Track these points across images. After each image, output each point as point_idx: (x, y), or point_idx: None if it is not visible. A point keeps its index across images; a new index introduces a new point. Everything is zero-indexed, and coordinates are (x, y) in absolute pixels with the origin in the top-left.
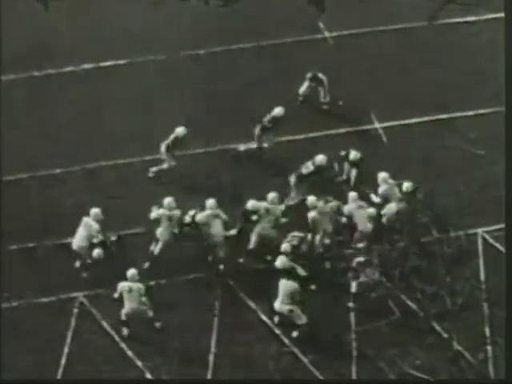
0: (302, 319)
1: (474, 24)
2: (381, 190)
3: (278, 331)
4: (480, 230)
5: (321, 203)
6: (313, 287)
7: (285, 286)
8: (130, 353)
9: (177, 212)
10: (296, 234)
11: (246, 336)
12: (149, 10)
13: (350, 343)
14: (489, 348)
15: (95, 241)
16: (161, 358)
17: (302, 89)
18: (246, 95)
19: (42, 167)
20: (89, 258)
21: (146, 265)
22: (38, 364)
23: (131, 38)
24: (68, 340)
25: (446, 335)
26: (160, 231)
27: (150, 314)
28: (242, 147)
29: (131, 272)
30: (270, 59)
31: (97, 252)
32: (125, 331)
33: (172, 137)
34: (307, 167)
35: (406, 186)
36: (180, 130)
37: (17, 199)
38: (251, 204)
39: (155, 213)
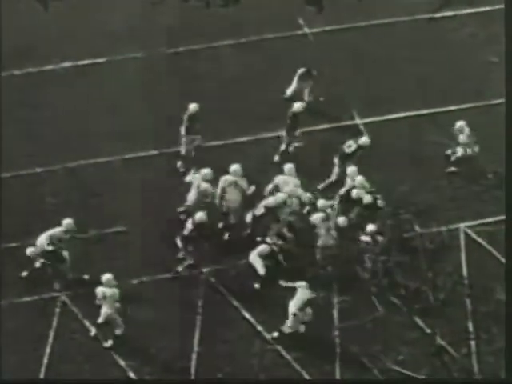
0: (297, 327)
1: (454, 18)
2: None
3: (260, 328)
4: (462, 225)
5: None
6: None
7: (304, 293)
8: (112, 352)
9: (206, 185)
10: (283, 232)
11: (229, 334)
12: (130, 9)
13: (334, 340)
14: (472, 343)
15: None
16: (144, 357)
17: (293, 87)
18: (226, 92)
19: (23, 166)
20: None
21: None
22: (21, 363)
23: (110, 37)
24: (50, 339)
25: (429, 330)
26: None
27: (119, 331)
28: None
29: (106, 277)
30: (250, 56)
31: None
32: (92, 331)
33: (185, 116)
34: (349, 146)
35: (367, 198)
36: (192, 107)
37: None
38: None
39: (191, 176)
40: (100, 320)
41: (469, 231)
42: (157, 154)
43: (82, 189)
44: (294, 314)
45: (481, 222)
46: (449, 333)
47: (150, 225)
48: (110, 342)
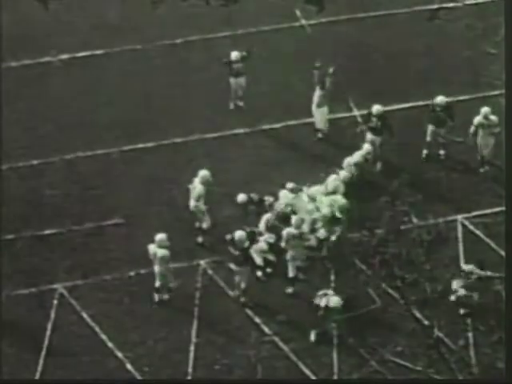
0: None
1: (452, 10)
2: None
3: (258, 320)
4: (459, 217)
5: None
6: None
7: None
8: (110, 344)
9: None
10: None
11: (227, 325)
12: (127, 1)
13: (331, 331)
14: (469, 334)
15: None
16: (141, 348)
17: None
18: (223, 84)
19: (21, 158)
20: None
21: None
22: (19, 355)
23: (108, 29)
24: (48, 332)
25: (426, 322)
26: None
27: (172, 285)
28: None
29: (159, 236)
30: (247, 48)
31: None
32: (156, 297)
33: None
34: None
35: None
36: (233, 54)
37: None
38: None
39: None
40: (156, 284)
41: (466, 223)
42: (155, 145)
43: (80, 181)
44: None
45: (478, 214)
46: (446, 324)
47: (148, 217)
48: (166, 296)
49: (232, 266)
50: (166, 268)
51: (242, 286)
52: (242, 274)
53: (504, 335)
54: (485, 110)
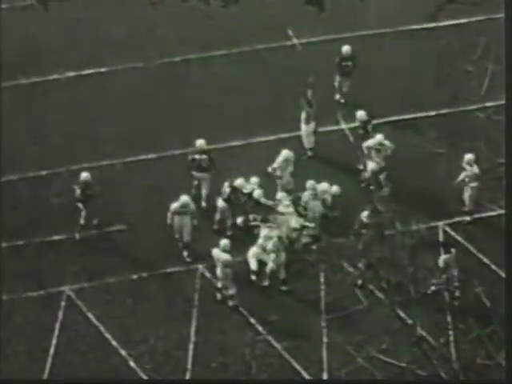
0: None
1: (432, 30)
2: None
3: (252, 320)
4: (441, 223)
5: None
6: None
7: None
8: (114, 342)
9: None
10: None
11: (223, 325)
12: (130, 21)
13: (321, 330)
14: (450, 332)
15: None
16: (144, 347)
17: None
18: (219, 101)
19: (30, 169)
20: None
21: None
22: (28, 353)
23: (111, 48)
24: (56, 331)
25: (410, 321)
26: None
27: (231, 291)
28: None
29: (224, 242)
30: (242, 66)
31: None
32: (218, 296)
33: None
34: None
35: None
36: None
37: (6, 200)
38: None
39: None
40: (219, 284)
41: (447, 229)
42: (155, 157)
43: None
44: None
45: (458, 220)
46: (428, 323)
47: (149, 224)
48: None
49: (195, 173)
50: (226, 274)
51: (204, 192)
52: (204, 180)
53: (504, 335)
54: (468, 156)
